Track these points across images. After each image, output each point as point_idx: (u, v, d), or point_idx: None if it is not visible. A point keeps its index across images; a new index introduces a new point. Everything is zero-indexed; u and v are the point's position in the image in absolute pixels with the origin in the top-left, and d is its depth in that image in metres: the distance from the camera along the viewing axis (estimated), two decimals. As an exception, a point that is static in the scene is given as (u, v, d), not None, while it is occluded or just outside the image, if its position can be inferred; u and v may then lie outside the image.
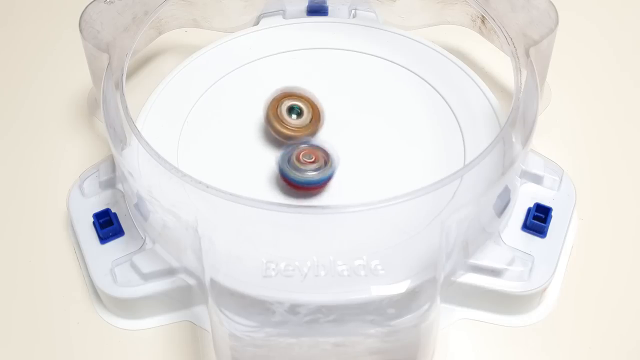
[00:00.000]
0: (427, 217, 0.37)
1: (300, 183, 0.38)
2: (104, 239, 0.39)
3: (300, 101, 0.40)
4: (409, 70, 0.44)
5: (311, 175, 0.38)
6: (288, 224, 0.35)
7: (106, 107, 0.38)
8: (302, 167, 0.38)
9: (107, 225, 0.39)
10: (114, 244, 0.39)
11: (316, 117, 0.40)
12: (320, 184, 0.38)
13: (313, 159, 0.38)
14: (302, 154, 0.38)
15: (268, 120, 0.40)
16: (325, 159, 0.38)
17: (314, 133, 0.40)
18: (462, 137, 0.41)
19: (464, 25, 0.46)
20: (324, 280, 0.34)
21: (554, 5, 0.40)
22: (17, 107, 0.47)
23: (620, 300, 0.39)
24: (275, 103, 0.40)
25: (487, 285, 0.37)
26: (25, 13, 0.53)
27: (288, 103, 0.40)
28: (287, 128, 0.39)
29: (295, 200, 0.39)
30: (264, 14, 0.48)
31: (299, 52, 0.45)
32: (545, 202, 0.39)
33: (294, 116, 0.40)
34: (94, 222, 0.39)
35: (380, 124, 0.42)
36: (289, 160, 0.38)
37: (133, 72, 0.47)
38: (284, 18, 0.47)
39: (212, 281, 0.34)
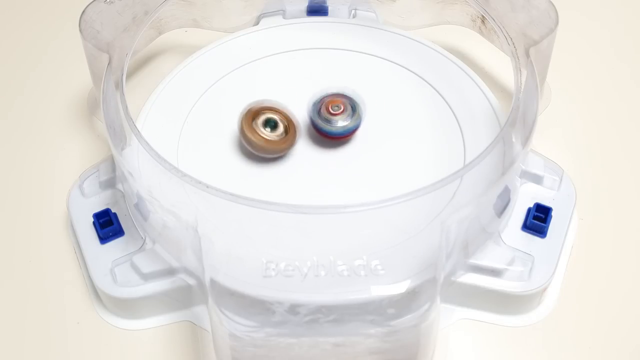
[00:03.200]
0: (427, 217, 0.37)
1: (334, 134, 0.40)
2: (104, 239, 0.39)
3: (275, 114, 0.40)
4: (409, 70, 0.44)
5: (343, 125, 0.39)
6: (288, 224, 0.35)
7: (106, 107, 0.38)
8: (333, 118, 0.39)
9: (107, 225, 0.39)
10: (114, 244, 0.39)
11: (292, 130, 0.40)
12: (353, 131, 0.40)
13: (342, 108, 0.39)
14: (330, 105, 0.39)
15: (242, 132, 0.39)
16: (352, 106, 0.40)
17: (291, 146, 0.40)
18: (462, 137, 0.41)
19: (464, 25, 0.46)
20: (324, 280, 0.34)
21: (554, 5, 0.40)
22: (17, 107, 0.47)
23: (621, 300, 0.39)
24: (249, 116, 0.39)
25: (487, 285, 0.37)
26: (26, 13, 0.53)
27: (263, 117, 0.39)
28: (263, 138, 0.39)
29: (295, 199, 0.39)
30: (264, 14, 0.48)
31: (299, 52, 0.45)
32: (545, 202, 0.39)
33: (268, 129, 0.39)
34: (94, 222, 0.39)
35: (380, 124, 0.42)
36: (319, 114, 0.39)
37: (133, 72, 0.47)
38: (284, 18, 0.47)
39: (212, 281, 0.34)
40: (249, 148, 0.39)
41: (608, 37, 0.51)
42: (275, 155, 0.40)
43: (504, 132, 0.37)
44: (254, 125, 0.39)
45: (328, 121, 0.39)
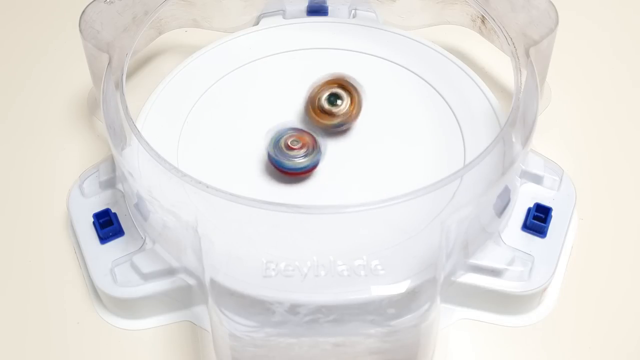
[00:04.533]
0: (427, 217, 0.37)
1: (288, 169, 0.39)
2: (104, 239, 0.39)
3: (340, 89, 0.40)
4: (409, 70, 0.44)
5: (299, 161, 0.38)
6: (288, 224, 0.35)
7: (106, 107, 0.38)
8: (290, 152, 0.38)
9: (107, 225, 0.39)
10: (114, 244, 0.39)
11: (355, 104, 0.40)
12: (308, 170, 0.39)
13: (300, 145, 0.39)
14: (290, 140, 0.39)
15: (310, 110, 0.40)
16: (312, 145, 0.39)
17: (353, 118, 0.40)
18: (462, 137, 0.41)
19: (464, 25, 0.46)
20: (324, 280, 0.34)
21: (554, 5, 0.41)
22: (17, 107, 0.47)
23: (621, 300, 0.39)
24: (316, 92, 0.40)
25: (487, 285, 0.37)
26: (26, 13, 0.53)
27: (327, 92, 0.40)
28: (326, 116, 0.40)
29: (295, 200, 0.39)
30: (264, 14, 0.48)
31: (299, 52, 0.45)
32: (545, 202, 0.39)
33: (330, 105, 0.40)
34: (94, 222, 0.39)
35: (380, 124, 0.42)
36: (276, 146, 0.39)
37: (133, 72, 0.47)
38: (284, 18, 0.47)
39: (212, 281, 0.34)
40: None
41: (608, 37, 0.51)
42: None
43: (504, 132, 0.37)
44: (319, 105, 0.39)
45: (288, 157, 0.39)
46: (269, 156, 0.39)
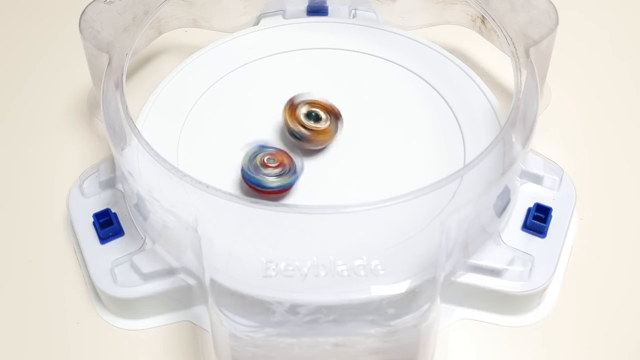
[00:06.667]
0: (427, 217, 0.37)
1: (257, 186, 0.37)
2: (104, 239, 0.39)
3: (319, 108, 0.40)
4: (409, 70, 0.44)
5: (270, 180, 0.37)
6: (288, 224, 0.35)
7: (106, 107, 0.38)
8: (263, 170, 0.38)
9: (107, 225, 0.39)
10: (114, 244, 0.39)
11: (334, 124, 0.40)
12: (279, 190, 0.38)
13: (277, 164, 0.38)
14: (267, 157, 0.38)
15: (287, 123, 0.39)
16: (289, 166, 0.38)
17: (330, 139, 0.40)
18: (462, 137, 0.41)
19: (464, 25, 0.46)
20: (324, 280, 0.34)
21: (554, 5, 0.41)
22: (17, 107, 0.47)
23: (621, 300, 0.39)
24: (292, 108, 0.39)
25: (487, 285, 0.37)
26: (26, 13, 0.53)
27: (305, 109, 0.39)
28: (306, 128, 0.39)
29: (295, 200, 0.39)
30: (264, 14, 0.48)
31: (299, 52, 0.45)
32: (545, 202, 0.39)
33: (311, 121, 0.39)
34: (94, 222, 0.39)
35: (380, 124, 0.42)
36: (251, 161, 0.38)
37: (133, 72, 0.47)
38: (284, 18, 0.47)
39: (212, 281, 0.34)
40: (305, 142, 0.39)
41: (608, 37, 0.51)
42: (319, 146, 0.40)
43: (504, 132, 0.37)
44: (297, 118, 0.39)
45: (263, 174, 0.38)
46: (241, 170, 0.38)
